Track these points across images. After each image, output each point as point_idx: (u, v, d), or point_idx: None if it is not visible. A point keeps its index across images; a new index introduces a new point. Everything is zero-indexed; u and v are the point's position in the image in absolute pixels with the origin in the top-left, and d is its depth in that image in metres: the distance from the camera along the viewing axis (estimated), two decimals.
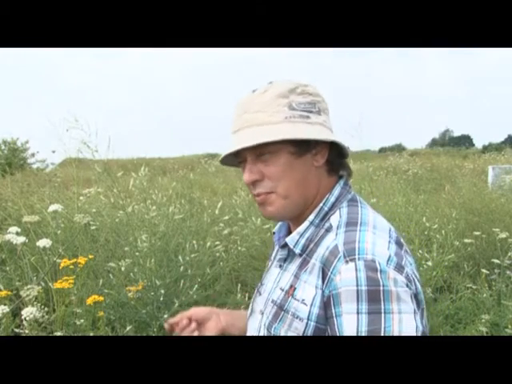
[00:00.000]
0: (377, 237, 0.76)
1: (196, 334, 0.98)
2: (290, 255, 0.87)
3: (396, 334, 0.68)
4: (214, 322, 1.01)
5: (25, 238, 1.84)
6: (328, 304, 0.73)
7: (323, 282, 0.75)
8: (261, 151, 0.82)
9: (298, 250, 0.84)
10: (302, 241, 0.84)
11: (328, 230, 0.82)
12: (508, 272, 2.86)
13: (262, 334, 0.87)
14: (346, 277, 0.71)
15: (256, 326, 0.91)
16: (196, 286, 2.40)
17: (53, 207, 2.12)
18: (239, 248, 2.79)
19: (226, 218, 3.01)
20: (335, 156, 0.87)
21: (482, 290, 2.81)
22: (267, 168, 0.83)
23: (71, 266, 1.93)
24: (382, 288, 0.69)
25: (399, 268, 0.72)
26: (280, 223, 0.98)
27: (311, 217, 0.85)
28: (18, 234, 1.87)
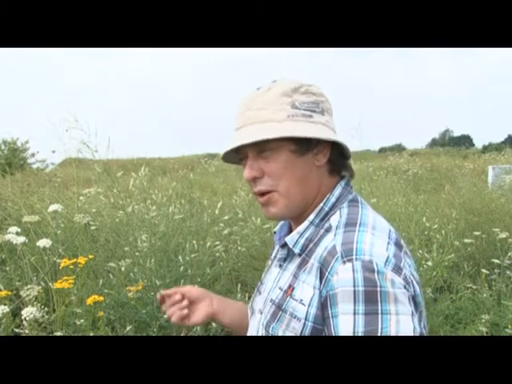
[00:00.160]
0: (375, 238, 0.76)
1: (185, 311, 0.98)
2: (289, 255, 0.87)
3: (393, 335, 0.68)
4: (205, 304, 1.01)
5: (25, 238, 1.84)
6: (325, 304, 0.73)
7: (321, 282, 0.75)
8: (262, 148, 0.82)
9: (297, 250, 0.84)
10: (302, 240, 0.84)
11: (327, 230, 0.81)
12: (508, 272, 2.86)
13: (260, 333, 0.87)
14: (343, 277, 0.71)
15: (256, 325, 0.91)
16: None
17: (53, 207, 2.12)
18: (239, 248, 2.79)
19: (226, 217, 3.00)
20: (337, 156, 0.87)
21: (482, 290, 2.81)
22: (267, 165, 0.83)
23: (71, 266, 1.93)
24: (379, 289, 0.69)
25: (397, 269, 0.72)
26: (281, 222, 0.98)
27: (311, 216, 0.85)
28: (17, 234, 1.87)
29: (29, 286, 1.70)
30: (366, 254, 0.72)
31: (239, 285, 2.67)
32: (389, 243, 0.77)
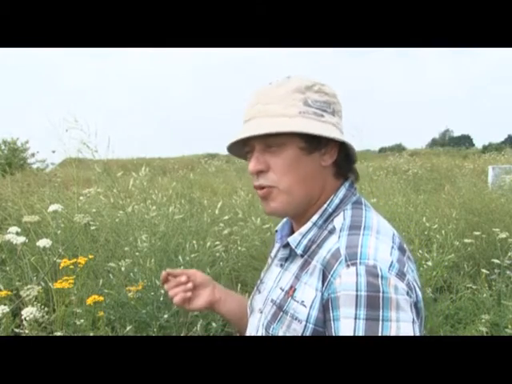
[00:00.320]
0: (380, 242, 0.75)
1: (189, 294, 0.98)
2: (291, 255, 0.87)
3: None
4: (207, 291, 1.01)
5: (25, 238, 1.84)
6: (326, 307, 0.73)
7: (323, 284, 0.75)
8: (270, 142, 0.81)
9: (299, 251, 0.83)
10: (304, 241, 0.83)
11: (331, 232, 0.81)
12: (508, 272, 2.86)
13: (260, 333, 0.87)
14: (346, 281, 0.70)
15: (255, 324, 0.91)
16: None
17: (53, 207, 2.12)
18: (239, 248, 2.79)
19: (226, 217, 3.01)
20: (343, 159, 0.86)
21: (482, 290, 2.81)
22: (274, 160, 0.82)
23: (71, 266, 1.93)
24: (381, 294, 0.68)
25: (401, 275, 0.71)
26: (283, 221, 0.98)
27: (314, 218, 0.84)
28: (18, 234, 1.87)
29: (29, 286, 1.70)
30: (371, 258, 0.71)
31: (239, 285, 2.67)
32: (393, 247, 0.76)
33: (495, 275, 2.88)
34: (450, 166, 10.65)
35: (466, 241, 3.12)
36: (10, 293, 1.81)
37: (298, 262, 0.84)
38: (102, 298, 1.87)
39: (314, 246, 0.82)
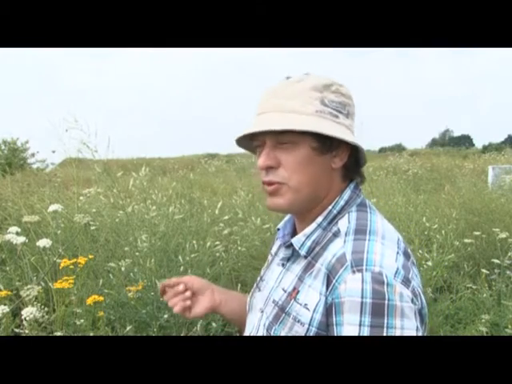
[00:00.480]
0: (385, 247, 0.75)
1: (188, 303, 0.97)
2: (293, 255, 0.87)
3: None
4: (207, 296, 1.00)
5: (25, 238, 1.84)
6: (330, 311, 0.73)
7: (327, 288, 0.74)
8: (283, 139, 0.80)
9: (303, 252, 0.83)
10: (308, 243, 0.83)
11: (336, 235, 0.80)
12: (508, 272, 2.86)
13: (261, 333, 0.86)
14: (352, 287, 0.70)
15: (255, 323, 0.90)
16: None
17: (53, 207, 2.12)
18: (239, 248, 2.79)
19: (226, 217, 3.01)
20: (353, 163, 0.86)
21: (482, 290, 2.81)
22: (285, 157, 0.81)
23: (71, 266, 1.93)
24: (386, 302, 0.68)
25: (406, 282, 0.71)
26: (285, 220, 0.97)
27: (319, 219, 0.84)
28: (18, 234, 1.87)
29: (29, 286, 1.70)
30: (377, 265, 0.71)
31: (239, 285, 2.67)
32: (398, 253, 0.76)
33: (495, 275, 2.89)
34: (450, 165, 10.66)
35: (466, 241, 3.12)
36: (10, 293, 1.81)
37: (302, 262, 0.83)
38: (102, 298, 1.87)
39: (317, 248, 0.81)
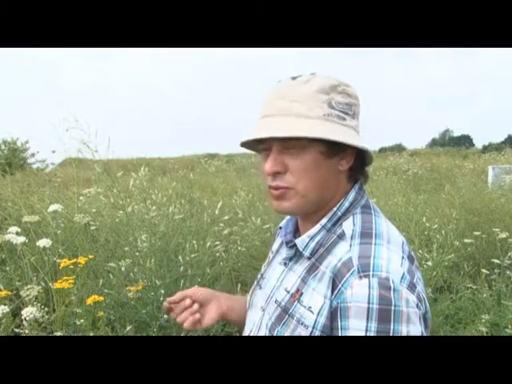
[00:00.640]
0: (391, 252, 0.75)
1: (198, 316, 0.95)
2: (296, 255, 0.86)
3: None
4: (215, 305, 0.99)
5: (25, 238, 1.84)
6: (335, 315, 0.72)
7: (332, 292, 0.74)
8: (290, 144, 0.79)
9: (307, 253, 0.83)
10: (312, 244, 0.83)
11: (340, 237, 0.80)
12: (508, 272, 2.86)
13: (262, 333, 0.86)
14: (358, 292, 0.70)
15: (256, 321, 0.90)
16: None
17: (53, 207, 2.12)
18: (239, 248, 2.79)
19: (226, 218, 3.01)
20: (359, 163, 0.85)
21: (482, 290, 2.81)
22: (293, 162, 0.80)
23: (71, 266, 1.93)
24: (393, 308, 0.68)
25: (411, 287, 0.71)
26: (287, 218, 0.97)
27: (324, 220, 0.83)
28: (18, 233, 1.87)
29: (29, 286, 1.70)
30: (383, 270, 0.71)
31: (239, 285, 2.67)
32: (403, 258, 0.76)
33: (495, 275, 2.89)
34: (450, 165, 10.66)
35: (466, 241, 3.12)
36: (10, 293, 1.81)
37: (305, 263, 0.83)
38: (102, 298, 1.87)
39: (321, 250, 0.81)
